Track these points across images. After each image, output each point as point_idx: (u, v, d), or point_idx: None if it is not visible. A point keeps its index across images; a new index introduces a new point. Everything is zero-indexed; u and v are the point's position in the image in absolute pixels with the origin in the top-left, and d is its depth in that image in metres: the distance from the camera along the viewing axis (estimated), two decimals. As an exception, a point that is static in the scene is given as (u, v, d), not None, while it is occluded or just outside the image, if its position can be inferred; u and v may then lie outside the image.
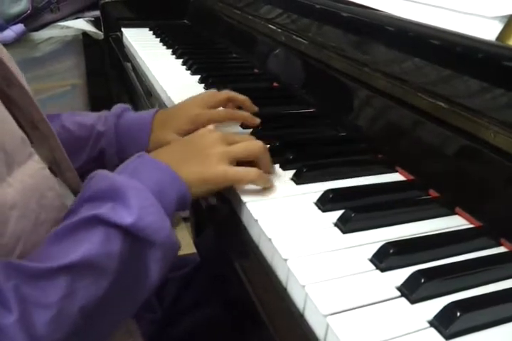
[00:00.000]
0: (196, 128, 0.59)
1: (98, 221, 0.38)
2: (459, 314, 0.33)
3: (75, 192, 0.53)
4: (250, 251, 0.45)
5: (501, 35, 0.45)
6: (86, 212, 0.39)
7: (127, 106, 0.66)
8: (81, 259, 0.35)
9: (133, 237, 0.39)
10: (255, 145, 0.50)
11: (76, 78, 1.55)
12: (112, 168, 0.61)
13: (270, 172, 0.51)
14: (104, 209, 0.38)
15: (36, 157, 0.42)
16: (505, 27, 0.45)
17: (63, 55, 1.48)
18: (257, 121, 0.63)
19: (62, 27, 1.45)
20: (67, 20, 1.46)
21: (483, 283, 0.38)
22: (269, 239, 0.42)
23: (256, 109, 0.66)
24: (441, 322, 0.34)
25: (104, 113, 0.64)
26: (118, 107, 0.65)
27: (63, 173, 0.51)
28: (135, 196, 0.39)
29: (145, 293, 0.41)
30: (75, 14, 1.48)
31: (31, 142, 0.47)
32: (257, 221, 0.44)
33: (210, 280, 0.63)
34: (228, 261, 0.45)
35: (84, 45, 1.49)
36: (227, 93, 0.64)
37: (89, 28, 1.45)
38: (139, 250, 0.39)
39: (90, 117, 0.64)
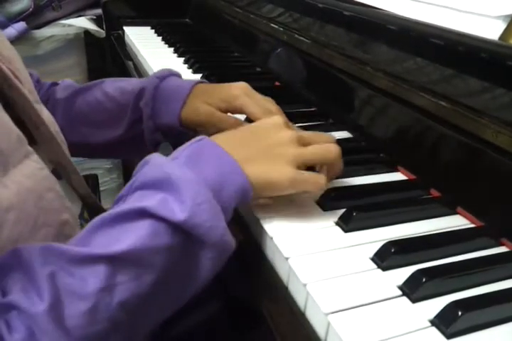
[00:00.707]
0: (227, 110, 0.58)
1: (147, 214, 0.35)
2: (460, 313, 0.33)
3: (80, 195, 0.53)
4: (251, 250, 0.45)
5: (504, 35, 0.45)
6: (136, 200, 0.36)
7: (176, 72, 0.64)
8: (126, 251, 0.33)
9: (183, 234, 0.36)
10: (332, 151, 0.45)
11: (77, 76, 1.55)
12: (149, 133, 0.61)
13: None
14: (155, 202, 0.35)
15: (35, 156, 0.41)
16: (508, 26, 0.45)
17: (65, 53, 1.48)
18: None
19: (64, 25, 1.45)
20: (68, 18, 1.46)
21: (485, 282, 0.38)
22: (271, 238, 0.42)
23: None
24: (442, 321, 0.34)
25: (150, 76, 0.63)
26: (164, 70, 0.63)
27: (68, 175, 0.50)
28: (190, 190, 0.36)
29: (191, 292, 0.39)
30: (77, 12, 1.48)
31: (35, 142, 0.47)
32: (258, 220, 0.44)
33: (212, 280, 0.62)
34: (229, 261, 0.45)
35: (85, 43, 1.49)
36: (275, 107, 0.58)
37: (91, 26, 1.45)
38: (189, 248, 0.37)
39: (133, 82, 0.64)
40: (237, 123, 0.56)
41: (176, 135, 0.62)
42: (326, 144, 0.45)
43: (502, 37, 0.45)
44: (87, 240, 0.35)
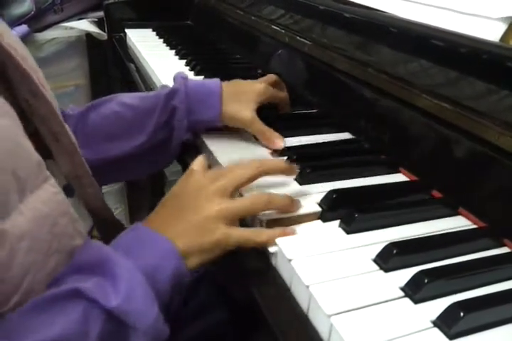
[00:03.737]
0: (262, 101, 0.63)
1: (81, 296, 0.35)
2: (462, 314, 0.33)
3: (94, 209, 0.52)
4: (254, 253, 0.45)
5: (505, 36, 0.45)
6: (70, 283, 0.36)
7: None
8: (53, 338, 0.33)
9: (116, 320, 0.36)
10: (260, 200, 0.44)
11: (79, 79, 1.55)
12: (179, 134, 0.61)
13: (291, 208, 0.45)
14: (90, 285, 0.36)
15: (52, 181, 0.40)
16: (509, 28, 0.45)
17: (67, 56, 1.48)
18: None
19: (66, 28, 1.45)
20: (70, 21, 1.46)
21: (487, 283, 0.38)
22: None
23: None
24: (444, 322, 0.34)
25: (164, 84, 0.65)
26: (180, 72, 0.65)
27: (83, 189, 0.50)
28: (124, 276, 0.36)
29: None
30: (79, 15, 1.48)
31: (52, 156, 0.47)
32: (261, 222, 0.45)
33: (217, 286, 0.62)
34: (233, 265, 0.45)
35: (87, 46, 1.50)
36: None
37: (93, 28, 1.45)
38: (121, 332, 0.36)
39: (151, 92, 0.64)
40: (273, 136, 0.60)
41: (205, 130, 0.64)
42: (255, 195, 0.45)
43: (503, 38, 0.45)
44: (20, 327, 0.34)
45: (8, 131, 0.36)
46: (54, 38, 1.44)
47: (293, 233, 0.43)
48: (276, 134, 0.60)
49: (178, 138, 0.62)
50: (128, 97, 0.64)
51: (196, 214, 0.43)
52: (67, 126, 0.47)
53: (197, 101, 0.60)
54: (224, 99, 0.61)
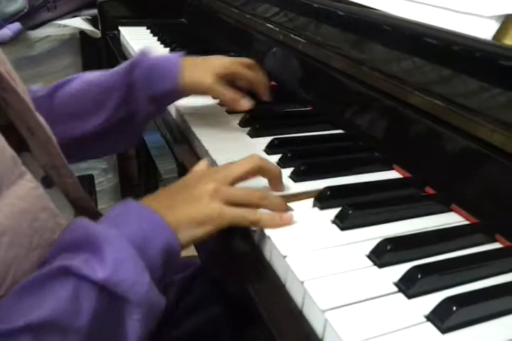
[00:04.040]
0: (230, 74, 0.63)
1: (69, 274, 0.35)
2: (454, 308, 0.34)
3: (74, 199, 0.52)
4: (249, 249, 0.45)
5: (498, 34, 0.45)
6: (57, 261, 0.36)
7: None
8: (45, 318, 0.33)
9: (108, 294, 0.35)
10: (256, 193, 0.45)
11: (73, 77, 1.55)
12: (142, 107, 0.61)
13: (282, 210, 0.45)
14: (77, 262, 0.35)
15: (28, 176, 0.39)
16: (501, 26, 0.45)
17: (60, 54, 1.48)
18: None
19: (60, 25, 1.45)
20: (64, 18, 1.46)
21: (479, 278, 0.39)
22: (268, 237, 0.42)
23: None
24: (437, 316, 0.34)
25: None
26: (142, 49, 0.65)
27: (62, 179, 0.49)
28: (111, 248, 0.36)
29: None
30: (72, 13, 1.48)
31: (28, 148, 0.46)
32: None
33: (211, 282, 0.62)
34: (228, 262, 0.45)
35: (81, 43, 1.49)
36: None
37: (87, 26, 1.45)
38: (115, 308, 0.36)
39: (114, 69, 0.64)
40: (236, 98, 0.62)
41: (169, 104, 0.65)
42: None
43: (496, 37, 0.45)
44: (10, 307, 0.34)
45: None
46: (47, 36, 1.43)
47: (289, 220, 0.43)
48: (240, 95, 0.62)
49: (141, 111, 0.62)
50: (91, 75, 0.65)
51: (191, 193, 0.43)
52: (41, 118, 0.46)
53: (155, 73, 0.61)
54: (183, 68, 0.61)
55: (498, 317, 0.35)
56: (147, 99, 0.61)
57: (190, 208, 0.42)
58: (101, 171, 1.60)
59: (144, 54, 0.63)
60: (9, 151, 0.38)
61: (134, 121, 0.62)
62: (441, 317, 0.34)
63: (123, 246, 0.37)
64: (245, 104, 0.62)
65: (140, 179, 1.62)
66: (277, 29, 0.83)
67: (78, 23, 1.45)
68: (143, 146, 1.47)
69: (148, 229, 0.39)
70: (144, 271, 0.36)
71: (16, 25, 1.35)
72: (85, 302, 0.34)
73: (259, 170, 0.46)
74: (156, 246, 0.39)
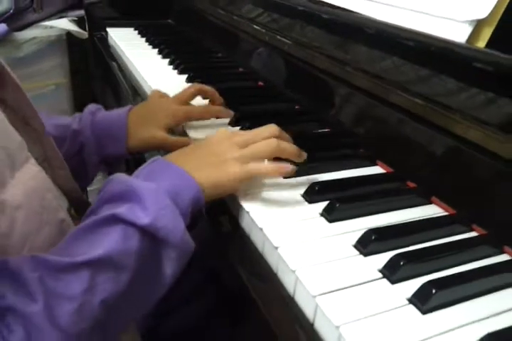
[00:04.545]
0: (177, 123, 0.63)
1: (117, 220, 0.39)
2: (434, 291, 0.37)
3: (66, 190, 0.53)
4: (241, 241, 0.48)
5: (471, 38, 0.48)
6: (105, 211, 0.40)
7: (99, 106, 0.67)
8: (102, 255, 0.37)
9: (149, 237, 0.40)
10: (270, 145, 0.49)
11: (60, 78, 1.55)
12: (92, 167, 0.63)
13: (300, 160, 0.51)
14: (122, 209, 0.40)
15: (32, 160, 0.43)
16: (474, 30, 0.48)
17: (47, 55, 1.48)
18: (231, 113, 0.66)
19: (46, 27, 1.45)
20: (50, 19, 1.46)
21: (457, 264, 0.42)
22: (261, 229, 0.45)
23: (222, 100, 0.69)
24: (418, 299, 0.37)
25: (77, 114, 0.65)
26: (91, 106, 0.66)
27: (54, 170, 0.51)
28: (151, 198, 0.41)
29: (160, 290, 0.42)
30: (59, 14, 1.48)
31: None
32: (248, 212, 0.47)
33: (205, 272, 0.65)
34: (222, 253, 0.48)
35: (68, 44, 1.50)
36: (194, 86, 0.67)
37: (73, 27, 1.45)
38: (155, 249, 0.41)
39: (64, 119, 0.65)
40: (188, 143, 0.61)
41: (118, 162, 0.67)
42: (264, 141, 0.50)
43: (469, 40, 0.48)
44: (69, 249, 0.38)
45: None
46: (34, 37, 1.43)
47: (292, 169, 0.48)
48: (187, 140, 0.62)
49: (91, 170, 0.64)
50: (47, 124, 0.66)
51: (217, 157, 0.48)
52: (35, 109, 0.48)
53: (104, 136, 0.62)
54: (131, 128, 0.62)
55: (474, 298, 0.38)
56: (98, 160, 0.63)
57: (215, 172, 0.47)
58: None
59: (90, 115, 0.64)
60: (17, 136, 0.41)
61: (84, 175, 0.64)
62: (422, 300, 0.37)
63: (162, 197, 0.41)
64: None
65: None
66: (264, 30, 0.85)
67: (65, 24, 1.46)
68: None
69: (180, 185, 0.44)
70: (180, 218, 0.42)
71: (2, 27, 1.35)
72: (132, 244, 0.39)
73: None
74: (186, 201, 0.44)
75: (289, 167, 0.48)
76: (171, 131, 0.64)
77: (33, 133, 0.48)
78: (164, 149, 0.63)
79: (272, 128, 0.51)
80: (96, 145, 0.62)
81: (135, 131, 0.62)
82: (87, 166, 0.64)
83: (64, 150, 0.61)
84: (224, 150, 0.49)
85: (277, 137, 0.50)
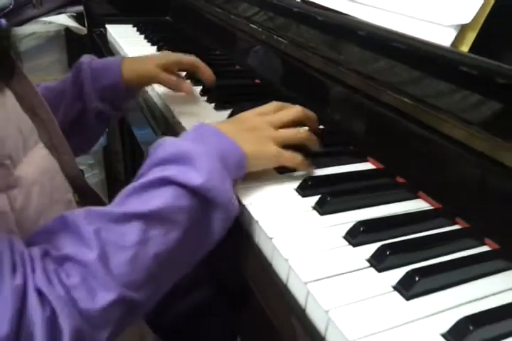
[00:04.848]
0: (168, 63, 0.70)
1: (169, 181, 0.41)
2: (417, 279, 0.39)
3: (71, 177, 0.54)
4: (239, 234, 0.50)
5: (455, 42, 0.51)
6: (156, 173, 0.42)
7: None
8: (155, 210, 0.39)
9: (199, 198, 0.42)
10: (302, 133, 0.55)
11: (59, 73, 1.56)
12: (93, 114, 0.66)
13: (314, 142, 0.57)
14: (174, 171, 0.42)
15: (41, 144, 0.45)
16: (458, 34, 0.50)
17: (46, 51, 1.49)
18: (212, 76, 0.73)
19: (45, 22, 1.46)
20: (49, 15, 1.47)
21: (439, 254, 0.44)
22: (257, 221, 0.47)
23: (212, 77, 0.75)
24: (403, 286, 0.40)
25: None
26: (85, 56, 0.71)
27: (60, 157, 0.53)
28: (203, 160, 0.43)
29: (207, 248, 0.45)
30: (58, 9, 1.49)
31: None
32: (245, 206, 0.49)
33: (203, 262, 0.67)
34: (221, 244, 0.50)
35: (66, 40, 1.51)
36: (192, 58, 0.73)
37: (72, 23, 1.47)
38: (205, 209, 0.43)
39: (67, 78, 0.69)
40: (181, 82, 0.69)
41: (119, 104, 0.70)
42: (297, 129, 0.55)
43: (453, 44, 0.50)
44: (122, 203, 0.41)
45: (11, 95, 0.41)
46: (33, 33, 1.44)
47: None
48: (183, 80, 0.69)
49: (92, 108, 0.67)
50: (48, 83, 0.70)
51: (254, 134, 0.51)
52: (42, 98, 0.51)
53: (99, 70, 0.67)
54: (125, 63, 0.68)
55: (454, 286, 0.41)
56: (96, 94, 0.66)
57: (257, 144, 0.50)
58: (87, 167, 1.62)
59: (87, 58, 0.69)
60: (29, 121, 0.43)
61: (88, 120, 0.67)
62: (406, 287, 0.39)
63: (211, 160, 0.44)
64: (187, 88, 0.70)
65: (126, 174, 1.64)
66: (260, 29, 0.87)
67: (64, 19, 1.47)
68: (129, 141, 1.50)
69: (226, 149, 0.47)
70: (228, 180, 0.44)
71: (1, 22, 1.36)
72: (183, 203, 0.41)
73: (304, 117, 0.56)
74: (232, 166, 0.46)
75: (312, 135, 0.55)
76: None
77: (40, 122, 0.50)
78: (155, 82, 0.70)
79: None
80: (93, 78, 0.66)
81: (130, 63, 0.68)
82: (87, 112, 0.67)
83: (67, 93, 0.66)
84: (259, 126, 0.52)
85: (305, 114, 0.57)
